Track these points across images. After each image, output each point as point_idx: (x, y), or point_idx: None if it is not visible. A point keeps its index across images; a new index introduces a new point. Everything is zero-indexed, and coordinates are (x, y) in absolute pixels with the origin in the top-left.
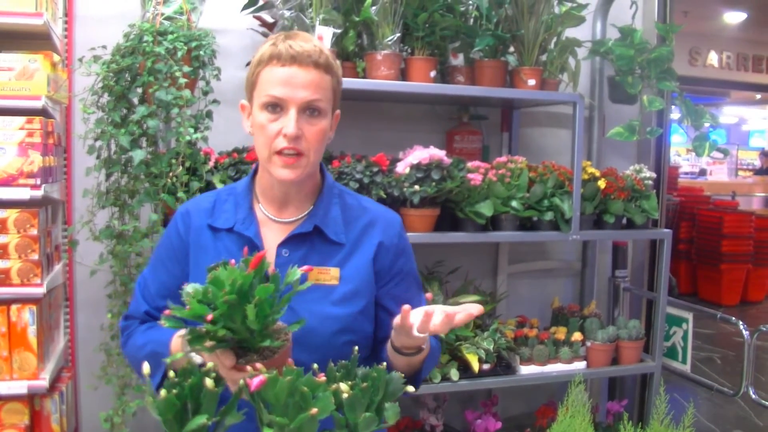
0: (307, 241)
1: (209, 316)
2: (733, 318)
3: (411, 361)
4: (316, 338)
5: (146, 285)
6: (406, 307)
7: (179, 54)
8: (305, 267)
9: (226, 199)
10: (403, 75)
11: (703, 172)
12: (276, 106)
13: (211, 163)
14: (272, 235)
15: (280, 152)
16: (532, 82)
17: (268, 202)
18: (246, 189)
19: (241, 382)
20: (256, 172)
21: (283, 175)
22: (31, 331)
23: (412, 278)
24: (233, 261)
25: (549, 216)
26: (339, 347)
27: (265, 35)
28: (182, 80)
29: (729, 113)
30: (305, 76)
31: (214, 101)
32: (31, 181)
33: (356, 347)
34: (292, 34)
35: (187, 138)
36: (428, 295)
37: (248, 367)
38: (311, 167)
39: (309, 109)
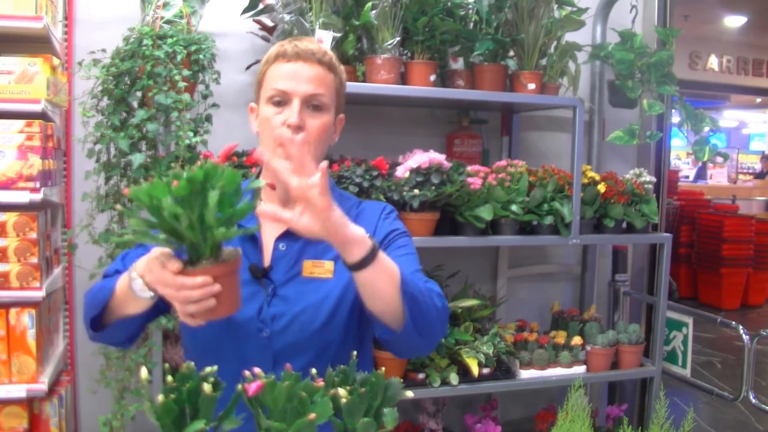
0: (304, 236)
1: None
2: (733, 322)
3: (366, 277)
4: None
5: (128, 253)
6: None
7: (179, 57)
8: None
9: None
10: (403, 79)
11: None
12: (281, 100)
13: None
14: (272, 231)
15: (282, 144)
16: (532, 86)
17: (271, 200)
18: None
19: (239, 387)
20: (260, 173)
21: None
22: (30, 335)
23: (396, 246)
24: None
25: (549, 220)
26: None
27: (265, 39)
28: (182, 84)
29: (729, 117)
30: (309, 71)
31: (214, 105)
32: (31, 185)
33: (354, 352)
34: (297, 38)
35: (187, 142)
36: None
37: (199, 278)
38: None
39: (312, 103)
